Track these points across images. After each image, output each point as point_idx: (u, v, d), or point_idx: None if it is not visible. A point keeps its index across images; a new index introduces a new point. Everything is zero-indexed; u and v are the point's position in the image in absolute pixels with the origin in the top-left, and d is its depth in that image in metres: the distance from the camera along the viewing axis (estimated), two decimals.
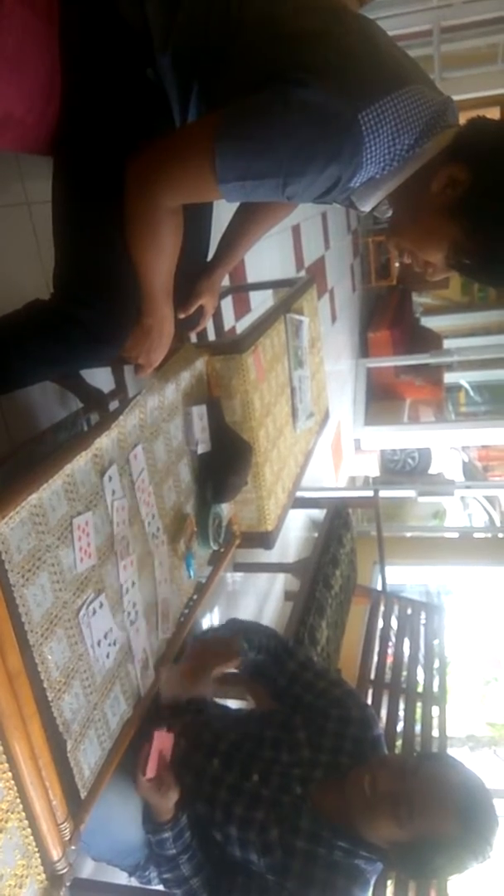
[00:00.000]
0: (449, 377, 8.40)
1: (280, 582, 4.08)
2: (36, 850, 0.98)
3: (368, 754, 1.38)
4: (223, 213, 1.48)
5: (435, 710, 2.91)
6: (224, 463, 1.63)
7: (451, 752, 3.55)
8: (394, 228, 1.15)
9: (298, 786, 1.35)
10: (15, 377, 1.32)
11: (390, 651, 3.16)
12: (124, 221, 1.11)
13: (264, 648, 1.50)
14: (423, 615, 3.37)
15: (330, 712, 1.42)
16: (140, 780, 1.30)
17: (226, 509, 1.77)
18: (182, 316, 1.44)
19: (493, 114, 1.06)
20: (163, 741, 1.33)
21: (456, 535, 6.17)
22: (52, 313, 1.24)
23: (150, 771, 1.30)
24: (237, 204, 1.46)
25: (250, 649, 1.46)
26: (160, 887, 1.46)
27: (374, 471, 7.63)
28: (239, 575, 3.45)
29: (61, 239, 1.19)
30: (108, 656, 1.17)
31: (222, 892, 1.38)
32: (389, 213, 1.16)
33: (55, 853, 1.00)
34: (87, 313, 1.19)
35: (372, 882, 1.32)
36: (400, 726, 2.81)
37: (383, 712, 2.82)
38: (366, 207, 1.13)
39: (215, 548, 1.70)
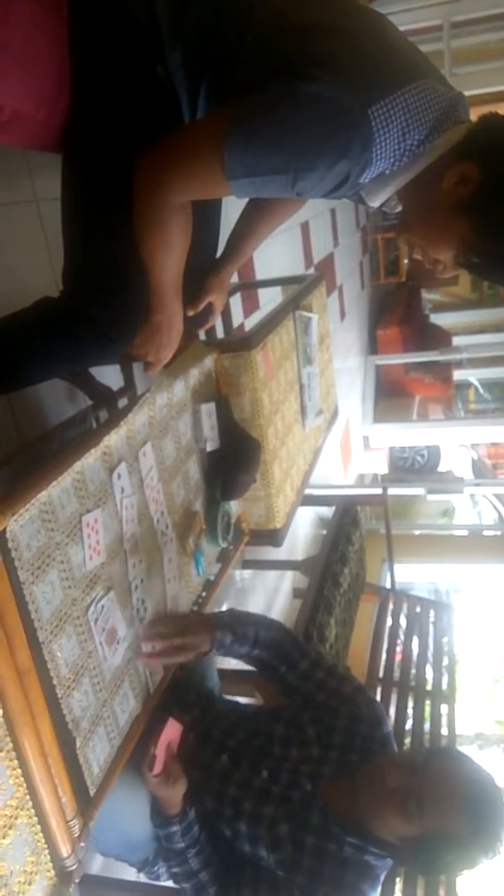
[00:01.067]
0: (458, 374, 8.36)
1: (289, 579, 4.08)
2: (45, 846, 0.98)
3: (377, 752, 1.37)
4: (232, 209, 1.47)
5: (444, 708, 2.90)
6: (233, 460, 1.63)
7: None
8: (404, 224, 1.14)
9: (308, 782, 1.35)
10: (24, 375, 1.32)
11: (399, 649, 3.15)
12: (133, 218, 1.11)
13: (265, 643, 1.48)
14: (431, 613, 3.36)
15: (340, 709, 1.42)
16: (147, 775, 1.30)
17: (235, 507, 1.77)
18: (191, 313, 1.44)
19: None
20: (170, 731, 1.33)
21: (465, 533, 6.15)
22: (62, 311, 1.24)
23: (158, 767, 1.30)
24: (246, 200, 1.46)
25: (238, 643, 1.40)
26: (169, 883, 1.47)
27: (383, 468, 7.62)
28: (248, 572, 3.45)
29: (71, 236, 1.19)
30: (116, 654, 1.17)
31: (231, 886, 1.38)
32: (399, 209, 1.15)
33: (64, 850, 1.00)
34: (97, 311, 1.19)
35: (381, 878, 1.32)
36: (409, 724, 2.80)
37: (392, 710, 2.81)
38: (375, 203, 1.12)
39: (224, 545, 1.70)
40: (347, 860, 1.28)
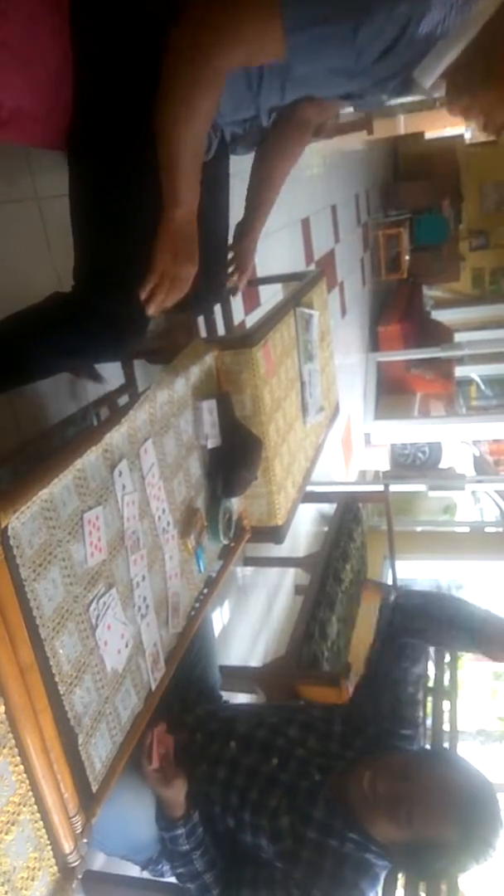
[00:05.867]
0: (460, 371, 8.36)
1: (290, 576, 4.08)
2: (48, 842, 0.98)
3: (397, 746, 1.37)
4: (235, 205, 1.47)
5: (446, 705, 2.90)
6: (234, 457, 1.63)
7: (461, 746, 3.53)
8: (465, 86, 1.04)
9: (318, 773, 1.34)
10: (37, 368, 1.32)
11: None
12: (161, 81, 1.00)
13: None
14: None
15: (383, 724, 1.40)
16: (146, 769, 1.30)
17: (236, 504, 1.77)
18: (230, 271, 1.42)
19: None
20: (160, 738, 1.33)
21: (467, 529, 6.15)
22: (74, 305, 1.23)
23: (155, 761, 1.31)
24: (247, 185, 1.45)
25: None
26: (172, 879, 1.47)
27: (385, 465, 7.61)
28: (249, 569, 3.45)
29: (81, 232, 1.18)
30: (118, 650, 1.17)
31: (233, 886, 1.38)
32: (440, 93, 1.08)
33: (67, 846, 1.01)
34: (109, 305, 1.19)
35: (382, 877, 1.31)
36: None
37: None
38: (428, 80, 1.05)
39: (225, 542, 1.70)
40: (348, 856, 1.28)
